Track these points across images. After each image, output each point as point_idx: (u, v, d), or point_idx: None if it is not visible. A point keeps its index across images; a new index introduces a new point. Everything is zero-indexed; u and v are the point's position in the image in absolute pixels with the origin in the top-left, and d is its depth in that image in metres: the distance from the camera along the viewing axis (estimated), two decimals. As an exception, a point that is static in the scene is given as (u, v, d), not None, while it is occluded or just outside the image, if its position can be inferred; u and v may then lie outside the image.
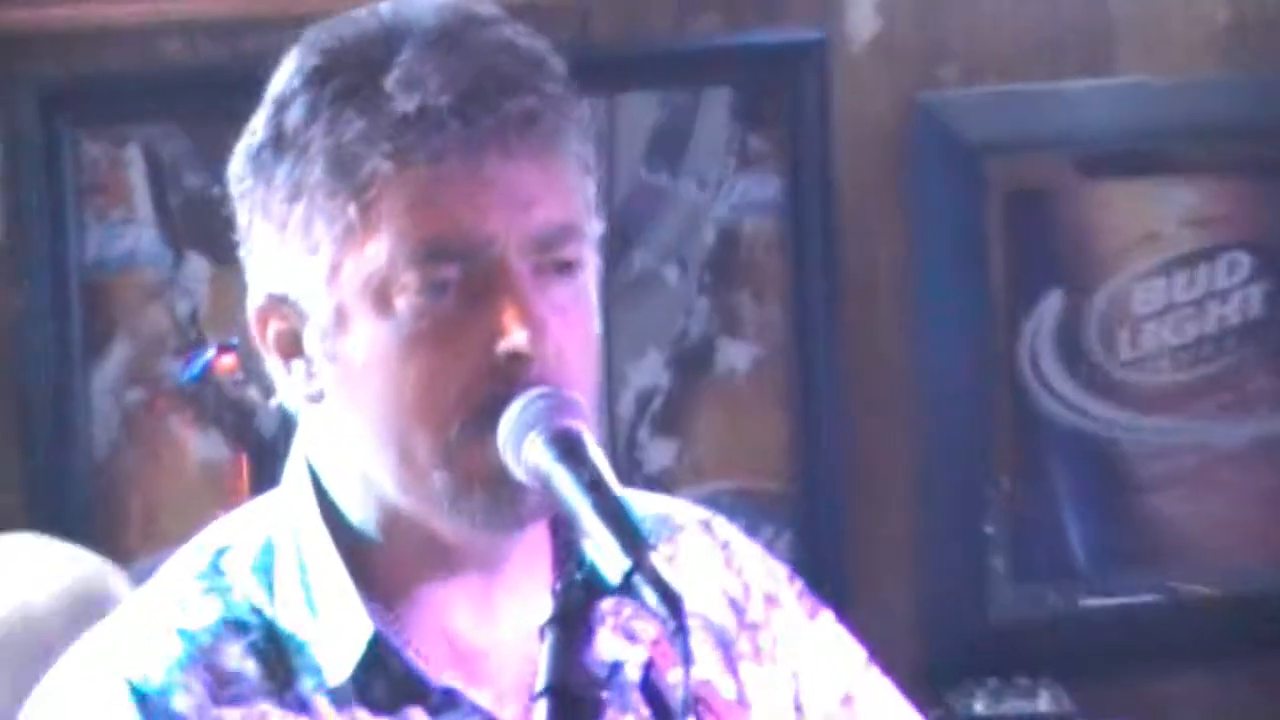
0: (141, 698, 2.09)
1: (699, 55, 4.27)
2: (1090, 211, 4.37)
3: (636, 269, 4.20)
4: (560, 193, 2.10)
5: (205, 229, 3.97)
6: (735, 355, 4.26)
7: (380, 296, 2.08)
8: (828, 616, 2.30)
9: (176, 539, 2.21)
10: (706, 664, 2.21)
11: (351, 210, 2.08)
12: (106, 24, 4.02)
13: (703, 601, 2.24)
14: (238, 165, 2.14)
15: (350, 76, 2.09)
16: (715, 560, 2.28)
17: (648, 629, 2.11)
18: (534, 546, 2.13)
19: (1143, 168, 4.37)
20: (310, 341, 2.11)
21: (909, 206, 4.29)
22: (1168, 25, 4.36)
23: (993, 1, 4.33)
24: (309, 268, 2.11)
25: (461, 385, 2.07)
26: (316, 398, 2.13)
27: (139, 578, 2.53)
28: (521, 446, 2.00)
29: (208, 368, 3.49)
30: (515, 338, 2.04)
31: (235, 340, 3.38)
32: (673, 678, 2.02)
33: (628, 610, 2.12)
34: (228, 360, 3.47)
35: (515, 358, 2.04)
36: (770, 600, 2.29)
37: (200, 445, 4.02)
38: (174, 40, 4.02)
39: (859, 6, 4.28)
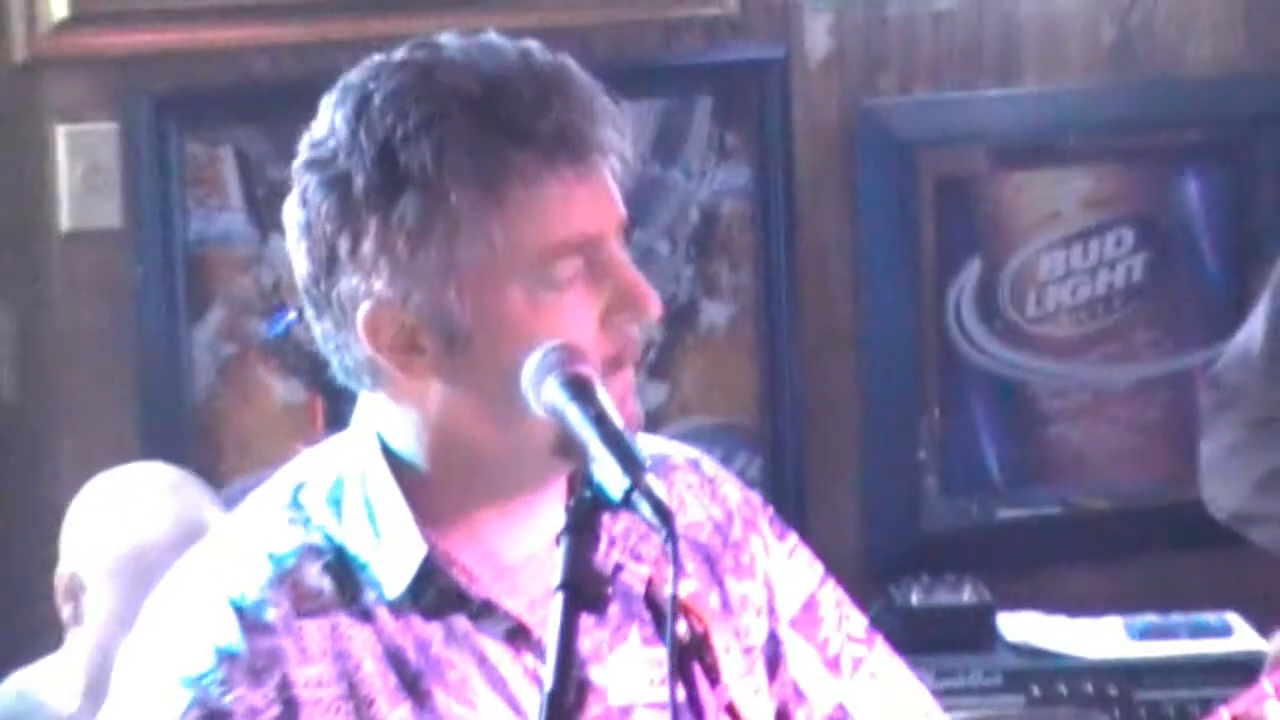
0: (239, 611, 2.18)
1: (684, 70, 4.41)
2: (1003, 195, 4.56)
3: (636, 244, 4.00)
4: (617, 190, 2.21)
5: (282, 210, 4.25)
6: (714, 314, 4.43)
7: (528, 285, 2.14)
8: (793, 538, 2.43)
9: (263, 467, 2.47)
10: (696, 578, 2.32)
11: (496, 229, 2.14)
12: (207, 46, 4.14)
13: (693, 525, 2.35)
14: (330, 204, 2.16)
15: (470, 117, 2.15)
16: (703, 492, 2.38)
17: (650, 551, 2.22)
18: (552, 493, 2.22)
19: (1046, 159, 4.56)
20: (426, 340, 2.17)
21: (854, 192, 4.48)
22: (1065, 43, 4.56)
23: (922, 25, 4.48)
24: (440, 281, 2.15)
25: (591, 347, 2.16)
26: (452, 382, 2.18)
27: (231, 498, 2.78)
28: (540, 388, 2.11)
29: (288, 327, 3.62)
30: (654, 307, 2.18)
31: None
32: (668, 589, 2.04)
33: (634, 536, 2.23)
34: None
35: (639, 324, 2.18)
36: (748, 524, 2.39)
37: (282, 390, 4.12)
38: (261, 60, 4.14)
39: (814, 30, 4.44)
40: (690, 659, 2.10)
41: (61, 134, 4.08)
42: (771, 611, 2.40)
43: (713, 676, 2.13)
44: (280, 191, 4.12)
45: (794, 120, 4.42)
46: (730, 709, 2.15)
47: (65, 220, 4.10)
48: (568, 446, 2.12)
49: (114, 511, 3.45)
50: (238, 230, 4.18)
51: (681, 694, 2.14)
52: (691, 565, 2.33)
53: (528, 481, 2.23)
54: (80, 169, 4.10)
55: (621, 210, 2.20)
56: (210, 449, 4.11)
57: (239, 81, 4.16)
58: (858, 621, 2.46)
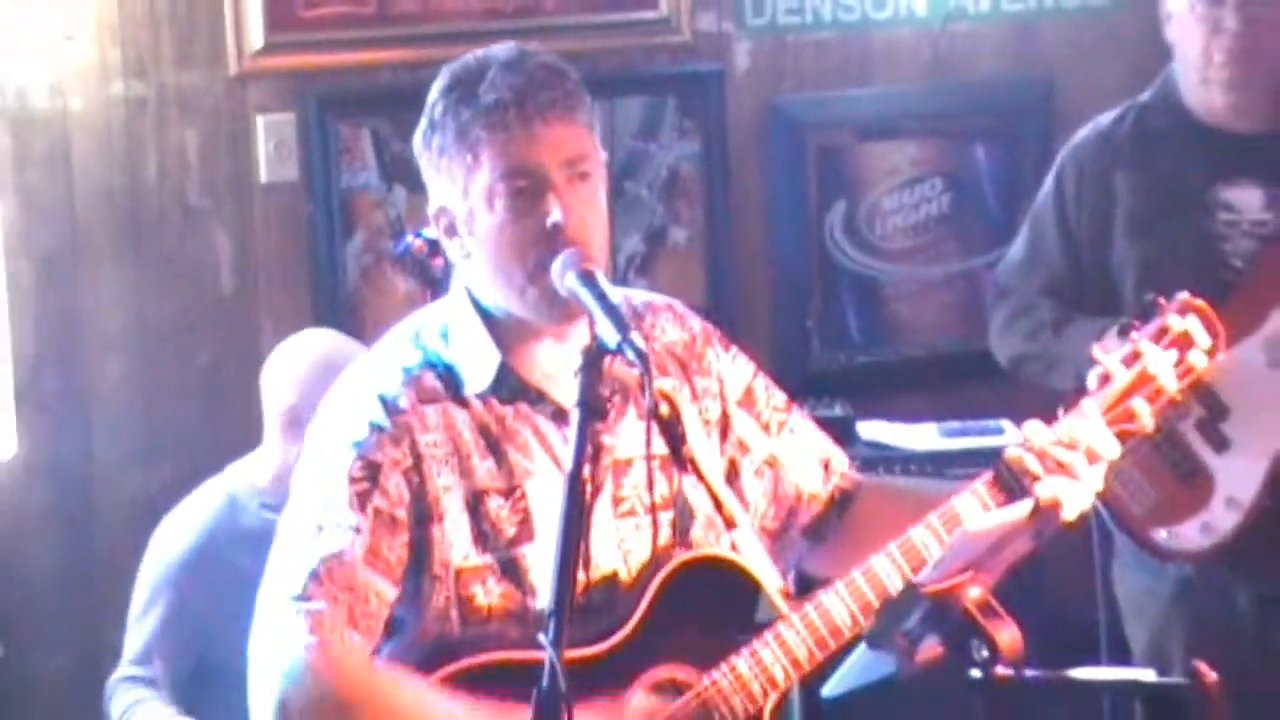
0: (384, 400, 2.23)
1: (658, 78, 4.31)
2: (860, 159, 4.48)
3: (627, 192, 4.27)
4: (576, 137, 2.19)
5: (402, 173, 3.99)
6: (678, 235, 4.37)
7: (488, 201, 2.19)
8: (734, 348, 2.45)
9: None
10: (673, 376, 2.32)
11: (468, 158, 2.19)
12: (352, 64, 4.07)
13: (670, 343, 2.36)
14: (417, 140, 2.26)
15: (462, 89, 2.19)
16: (676, 322, 2.40)
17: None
18: (579, 329, 2.22)
19: (888, 135, 4.48)
20: (460, 227, 2.24)
21: (766, 158, 4.40)
22: (899, 59, 4.50)
23: (809, 48, 4.41)
24: (454, 190, 2.22)
25: (531, 243, 2.18)
26: (466, 255, 2.25)
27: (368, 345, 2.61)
28: (564, 276, 2.15)
29: (408, 246, 3.45)
30: (555, 215, 2.16)
31: (422, 231, 3.34)
32: (661, 410, 2.06)
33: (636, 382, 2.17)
34: (418, 242, 3.41)
35: (555, 226, 2.16)
36: (705, 341, 2.41)
37: (403, 285, 3.98)
38: (385, 72, 4.06)
39: (740, 52, 4.36)
40: (668, 427, 2.10)
41: (260, 122, 4.03)
42: (723, 397, 2.40)
43: (681, 438, 2.12)
44: (399, 158, 4.02)
45: (727, 112, 4.36)
46: (692, 460, 2.14)
47: (263, 176, 4.04)
48: (574, 308, 2.15)
49: (296, 350, 3.41)
50: (372, 183, 4.10)
51: (665, 449, 2.16)
52: (671, 367, 2.36)
53: (552, 322, 2.24)
54: (272, 143, 4.04)
55: (569, 150, 2.18)
56: (357, 325, 3.99)
57: (372, 86, 4.07)
58: (780, 397, 2.46)
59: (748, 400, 2.42)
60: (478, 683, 2.14)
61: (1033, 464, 2.25)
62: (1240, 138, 3.31)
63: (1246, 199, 3.30)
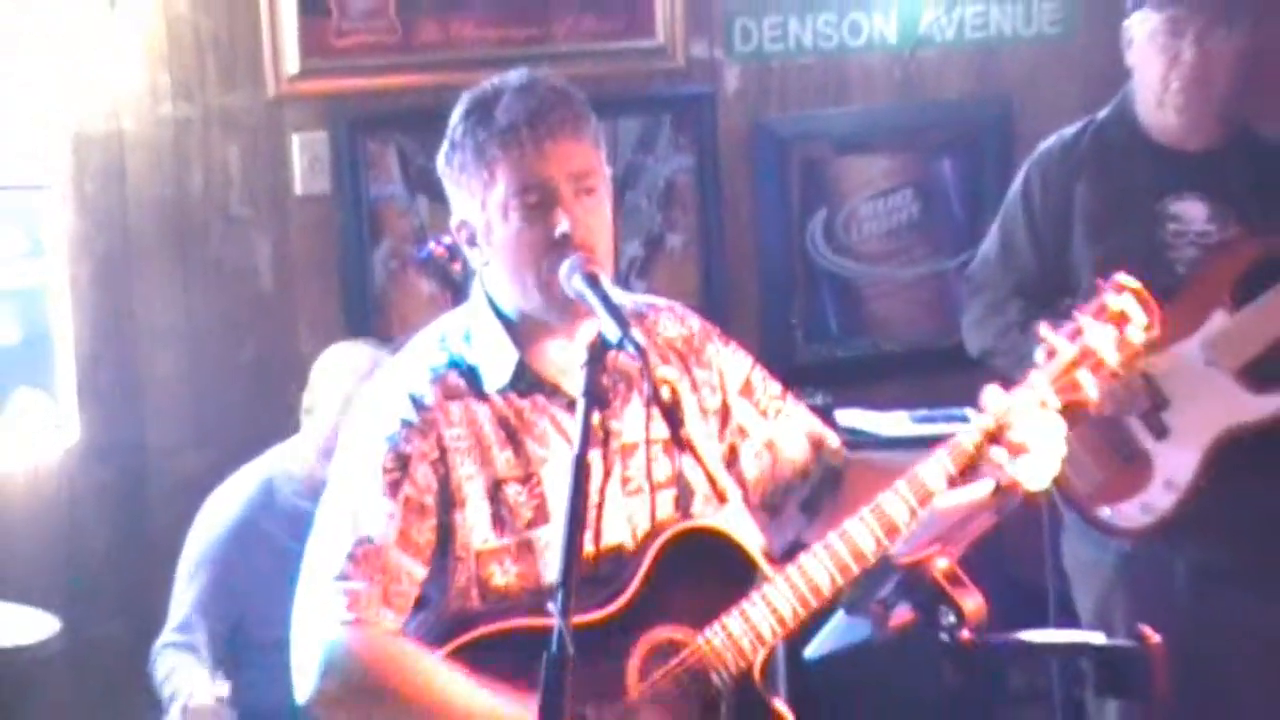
0: (413, 398, 2.23)
1: (656, 99, 4.27)
2: (840, 171, 4.46)
3: (628, 201, 4.24)
4: (582, 154, 2.17)
5: (425, 185, 3.96)
6: (674, 241, 4.34)
7: (504, 213, 2.18)
8: (733, 343, 2.44)
9: (413, 331, 2.41)
10: (674, 368, 2.31)
11: (485, 175, 2.17)
12: (378, 88, 4.01)
13: (670, 339, 2.35)
14: (440, 160, 2.24)
15: (479, 113, 2.18)
16: (677, 320, 2.39)
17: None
18: (587, 327, 2.19)
19: (863, 149, 4.46)
20: (479, 237, 2.23)
21: (754, 171, 4.38)
22: (873, 81, 4.42)
23: (793, 72, 4.39)
24: (473, 204, 2.21)
25: (543, 250, 2.16)
26: (485, 263, 2.24)
27: (395, 350, 2.55)
28: (571, 279, 2.13)
29: (430, 252, 3.46)
30: (563, 225, 2.14)
31: (444, 239, 3.30)
32: (663, 395, 2.05)
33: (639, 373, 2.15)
34: (439, 248, 3.40)
35: (564, 235, 2.14)
36: (704, 337, 2.39)
37: (426, 287, 3.99)
38: (409, 95, 3.99)
39: (729, 76, 4.34)
40: (668, 412, 2.09)
41: (296, 139, 4.00)
42: (723, 388, 2.39)
43: (680, 422, 2.12)
44: (422, 171, 3.95)
45: (718, 129, 4.35)
46: (689, 442, 2.16)
47: (298, 188, 4.02)
48: (580, 307, 2.14)
49: (339, 361, 3.40)
50: (397, 194, 4.06)
51: (666, 434, 2.17)
52: (673, 359, 2.35)
53: (561, 320, 2.22)
54: (307, 159, 4.01)
55: (576, 166, 2.14)
56: (383, 323, 3.98)
57: (397, 107, 4.02)
58: (775, 386, 2.45)
59: (747, 390, 2.40)
60: (491, 648, 2.15)
61: (997, 454, 2.23)
62: (1188, 156, 3.32)
63: (1192, 211, 3.31)
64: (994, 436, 2.24)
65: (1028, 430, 2.23)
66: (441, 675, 2.14)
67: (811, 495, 2.44)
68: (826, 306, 4.51)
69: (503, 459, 2.22)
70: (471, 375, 2.25)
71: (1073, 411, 2.30)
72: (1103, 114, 3.43)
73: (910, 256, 4.55)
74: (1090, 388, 2.28)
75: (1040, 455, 2.22)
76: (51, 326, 3.69)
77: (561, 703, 1.85)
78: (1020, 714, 4.03)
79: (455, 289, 3.50)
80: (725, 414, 2.38)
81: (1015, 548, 3.43)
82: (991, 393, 2.28)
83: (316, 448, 3.33)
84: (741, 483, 2.34)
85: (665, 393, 2.06)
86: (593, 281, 2.11)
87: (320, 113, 4.00)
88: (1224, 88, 3.25)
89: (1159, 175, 3.32)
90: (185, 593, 3.31)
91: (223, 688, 2.90)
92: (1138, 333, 2.32)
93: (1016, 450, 2.23)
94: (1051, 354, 2.31)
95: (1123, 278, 2.34)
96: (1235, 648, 3.27)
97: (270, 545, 3.23)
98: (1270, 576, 3.30)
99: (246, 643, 3.27)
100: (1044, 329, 2.32)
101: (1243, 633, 3.29)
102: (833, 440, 2.48)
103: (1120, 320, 2.32)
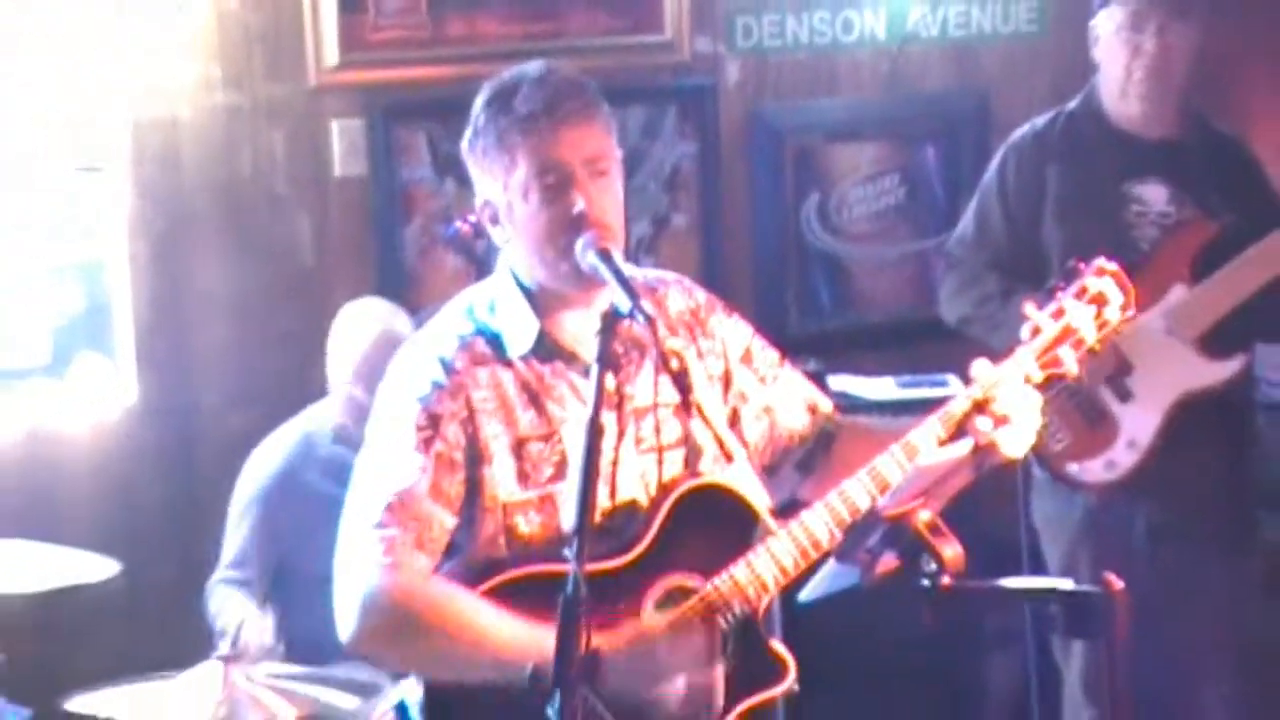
0: (443, 362, 2.22)
1: (662, 90, 4.25)
2: (830, 158, 4.43)
3: (637, 183, 4.20)
4: (595, 139, 2.16)
5: (453, 168, 3.93)
6: (679, 221, 4.32)
7: (524, 194, 2.17)
8: (735, 315, 2.42)
9: (443, 303, 2.38)
10: (681, 338, 2.29)
11: (506, 159, 2.16)
12: (410, 79, 3.98)
13: (679, 311, 2.34)
14: (464, 145, 2.24)
15: (500, 101, 2.17)
16: (684, 293, 2.38)
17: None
18: (602, 298, 2.17)
19: (852, 137, 4.43)
20: (502, 216, 2.21)
21: (751, 158, 4.35)
22: (860, 74, 4.39)
23: (788, 66, 4.36)
24: (495, 186, 2.20)
25: (560, 228, 2.15)
26: (507, 240, 2.23)
27: (421, 320, 2.69)
28: (585, 254, 2.13)
29: (456, 230, 3.44)
30: (578, 205, 2.13)
31: (469, 217, 3.26)
32: (672, 364, 2.06)
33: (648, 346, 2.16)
34: (465, 227, 3.39)
35: (579, 214, 2.13)
36: (709, 310, 2.38)
37: (453, 262, 3.97)
38: (440, 86, 3.88)
39: (730, 69, 4.31)
40: (678, 379, 2.09)
41: (335, 126, 3.97)
42: (726, 356, 2.38)
43: (688, 388, 2.10)
44: (450, 156, 3.93)
45: (719, 118, 4.32)
46: (698, 406, 2.15)
47: (337, 170, 3.99)
48: (595, 280, 2.13)
49: (358, 321, 3.40)
50: (427, 177, 4.04)
51: (675, 399, 2.17)
52: (681, 330, 2.33)
53: (578, 291, 2.21)
54: (345, 144, 3.99)
55: (591, 150, 2.13)
56: (414, 295, 3.93)
57: (427, 96, 3.97)
58: (773, 354, 2.43)
59: (747, 358, 2.39)
60: (516, 591, 2.15)
61: (982, 423, 2.24)
62: (1150, 143, 3.33)
63: (1153, 194, 3.32)
64: (980, 406, 2.24)
65: (1010, 403, 2.24)
66: (473, 607, 2.15)
67: (806, 455, 2.43)
68: (818, 282, 4.50)
69: (526, 419, 2.21)
70: (496, 342, 2.25)
71: (1050, 381, 2.32)
72: (1072, 105, 3.44)
73: (895, 236, 4.53)
74: (1070, 363, 2.30)
75: (1020, 426, 2.23)
76: (112, 297, 3.73)
77: (576, 639, 1.86)
78: (994, 656, 4.03)
79: (479, 264, 3.49)
80: (728, 380, 2.38)
81: (991, 505, 3.44)
82: (981, 365, 2.28)
83: (345, 399, 3.35)
84: (743, 443, 2.34)
85: (674, 364, 2.06)
86: (606, 256, 2.11)
87: (357, 101, 3.98)
88: (1181, 77, 3.28)
89: (1123, 161, 3.33)
90: (235, 533, 3.36)
91: (269, 621, 2.96)
92: (1115, 312, 2.33)
93: (1000, 421, 2.23)
94: (1036, 331, 2.31)
95: (1103, 262, 2.34)
96: (1186, 597, 3.29)
97: (309, 491, 3.27)
98: (1219, 534, 3.34)
99: (288, 578, 3.31)
100: (1029, 308, 2.32)
101: (1194, 584, 3.31)
102: (826, 404, 2.47)
103: (1099, 301, 2.33)
